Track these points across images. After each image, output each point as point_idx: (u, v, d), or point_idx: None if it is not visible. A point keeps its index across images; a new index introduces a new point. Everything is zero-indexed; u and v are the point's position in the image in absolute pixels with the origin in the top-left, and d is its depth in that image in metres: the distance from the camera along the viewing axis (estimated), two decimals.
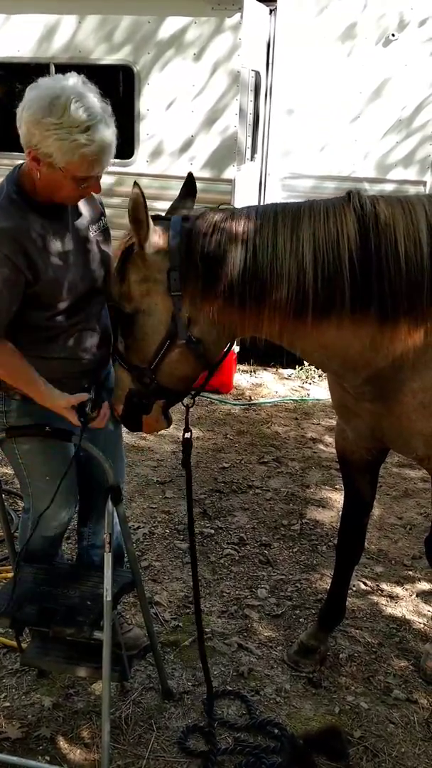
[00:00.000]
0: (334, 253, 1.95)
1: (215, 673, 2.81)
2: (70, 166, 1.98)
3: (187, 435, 2.33)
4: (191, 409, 2.36)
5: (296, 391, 6.02)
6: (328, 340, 2.08)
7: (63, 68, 5.77)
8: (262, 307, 2.03)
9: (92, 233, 2.27)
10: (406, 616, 3.20)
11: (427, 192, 5.68)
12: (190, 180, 2.27)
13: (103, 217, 2.34)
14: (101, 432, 2.38)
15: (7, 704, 2.63)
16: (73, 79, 1.99)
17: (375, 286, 1.96)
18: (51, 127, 1.93)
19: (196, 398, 2.41)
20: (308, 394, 5.93)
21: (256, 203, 6.12)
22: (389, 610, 3.24)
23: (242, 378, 6.23)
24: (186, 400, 2.34)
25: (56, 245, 2.13)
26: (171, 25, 5.49)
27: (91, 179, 2.06)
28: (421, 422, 2.21)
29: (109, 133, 2.00)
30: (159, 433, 4.87)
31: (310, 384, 6.14)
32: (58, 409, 2.20)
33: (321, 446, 4.92)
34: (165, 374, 2.16)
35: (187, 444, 2.34)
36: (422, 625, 3.14)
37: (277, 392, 5.97)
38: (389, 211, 1.99)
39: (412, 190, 5.67)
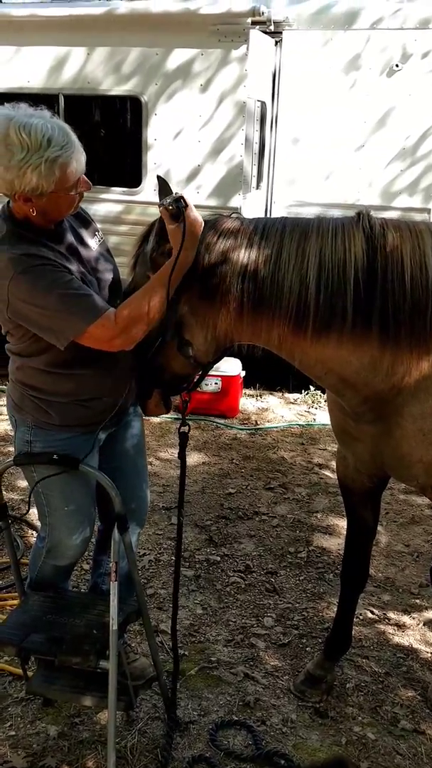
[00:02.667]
0: (339, 271, 1.98)
1: (221, 702, 2.80)
2: (58, 183, 2.03)
3: (184, 429, 2.45)
4: (196, 432, 2.43)
5: (302, 415, 6.03)
6: (327, 356, 2.10)
7: (72, 99, 5.95)
8: (259, 318, 2.07)
9: (95, 252, 2.32)
10: (414, 645, 3.18)
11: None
12: (162, 184, 2.25)
13: (97, 232, 2.39)
14: (127, 464, 2.48)
15: (13, 733, 2.61)
16: (2, 112, 2.01)
17: (378, 305, 1.99)
18: (22, 164, 1.97)
19: (199, 416, 2.46)
20: (314, 419, 5.93)
21: None
22: (396, 639, 3.22)
23: (248, 402, 6.24)
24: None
25: (73, 267, 2.18)
26: (178, 56, 5.59)
27: (79, 181, 2.10)
28: (420, 449, 2.21)
29: (65, 129, 2.04)
30: (165, 458, 4.93)
31: (316, 409, 6.15)
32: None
33: (327, 472, 4.92)
34: (159, 367, 2.26)
35: (183, 437, 2.46)
36: (429, 655, 3.12)
37: (283, 417, 5.98)
38: (397, 234, 2.02)
39: (416, 217, 5.71)
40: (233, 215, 2.20)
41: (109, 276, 2.32)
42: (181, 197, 2.01)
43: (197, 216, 2.04)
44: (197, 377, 2.39)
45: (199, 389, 5.60)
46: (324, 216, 2.11)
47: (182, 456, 2.48)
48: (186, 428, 2.45)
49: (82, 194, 2.17)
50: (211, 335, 2.15)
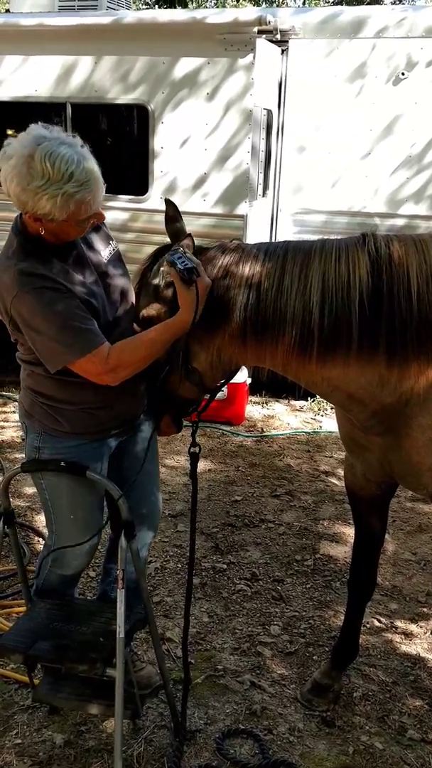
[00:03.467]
0: (343, 295, 1.97)
1: (228, 711, 2.79)
2: (71, 215, 2.04)
3: (194, 450, 2.45)
4: (202, 439, 2.44)
5: (309, 423, 6.02)
6: (333, 375, 2.11)
7: (79, 107, 5.98)
8: (263, 344, 2.07)
9: (105, 259, 2.33)
10: (421, 654, 3.16)
11: None
12: (170, 206, 2.26)
13: (111, 240, 2.40)
14: (135, 472, 2.46)
15: (19, 741, 2.61)
16: (35, 132, 2.02)
17: (384, 325, 1.98)
18: (39, 191, 1.98)
19: (205, 423, 2.47)
20: (321, 426, 5.93)
21: (267, 239, 6.20)
22: (403, 648, 3.20)
23: (254, 410, 6.24)
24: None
25: (78, 278, 2.19)
26: (185, 65, 5.61)
27: (92, 215, 2.12)
28: (430, 458, 2.21)
29: (90, 166, 2.04)
30: (171, 465, 4.93)
31: (322, 416, 6.14)
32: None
33: (334, 479, 4.91)
34: (168, 391, 2.28)
35: (194, 457, 2.46)
36: None
37: (289, 424, 5.98)
38: (403, 251, 2.01)
39: (422, 224, 5.72)
40: (234, 241, 2.21)
41: (119, 281, 2.34)
42: (194, 268, 2.02)
43: (208, 282, 2.08)
44: (207, 399, 2.40)
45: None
46: (327, 239, 2.11)
47: (193, 476, 2.48)
48: (197, 449, 2.44)
49: (94, 223, 2.20)
50: (216, 362, 2.17)
